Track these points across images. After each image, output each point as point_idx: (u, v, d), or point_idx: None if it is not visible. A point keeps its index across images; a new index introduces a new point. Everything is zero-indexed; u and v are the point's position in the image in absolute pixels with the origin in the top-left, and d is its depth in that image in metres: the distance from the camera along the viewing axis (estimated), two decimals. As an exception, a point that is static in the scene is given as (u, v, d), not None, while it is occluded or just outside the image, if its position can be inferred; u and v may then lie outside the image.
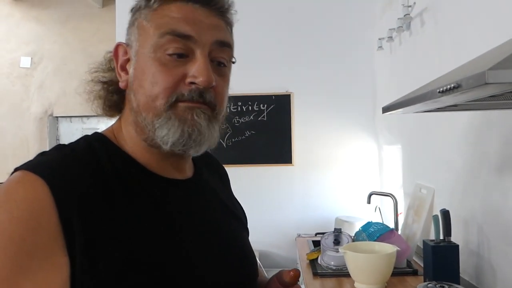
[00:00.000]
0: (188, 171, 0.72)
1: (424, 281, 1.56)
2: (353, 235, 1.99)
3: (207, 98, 0.62)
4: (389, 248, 1.65)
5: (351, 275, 1.67)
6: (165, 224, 0.62)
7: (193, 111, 0.62)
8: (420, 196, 2.12)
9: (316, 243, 2.20)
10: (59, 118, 4.34)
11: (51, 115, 4.26)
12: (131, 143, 0.66)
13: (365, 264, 1.57)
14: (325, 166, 3.12)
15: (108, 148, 0.64)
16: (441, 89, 0.71)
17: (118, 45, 0.66)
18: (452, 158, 1.80)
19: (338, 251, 1.80)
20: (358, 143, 3.13)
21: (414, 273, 1.79)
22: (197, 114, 0.62)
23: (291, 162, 3.09)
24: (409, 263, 1.88)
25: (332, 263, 1.84)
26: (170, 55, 0.61)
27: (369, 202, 2.36)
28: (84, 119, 4.33)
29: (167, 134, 0.61)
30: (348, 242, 1.86)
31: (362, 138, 3.13)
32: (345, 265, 1.70)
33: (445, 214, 1.56)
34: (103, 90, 0.68)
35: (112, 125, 0.69)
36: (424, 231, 1.96)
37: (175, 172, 0.68)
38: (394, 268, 1.73)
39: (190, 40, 0.61)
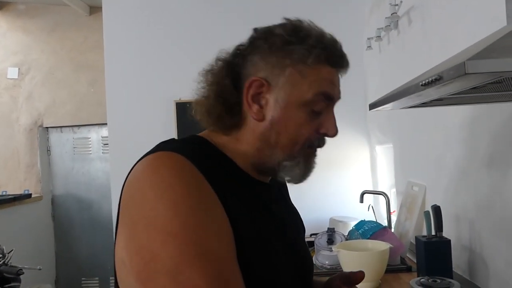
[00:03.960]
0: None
1: (418, 276, 1.56)
2: (347, 234, 1.99)
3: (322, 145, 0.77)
4: (382, 246, 1.66)
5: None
6: (275, 221, 0.75)
7: (315, 157, 0.77)
8: (412, 194, 2.13)
9: (311, 244, 2.20)
10: (49, 129, 4.29)
11: (41, 125, 4.22)
12: (238, 157, 0.74)
13: (359, 262, 1.57)
14: (318, 167, 3.11)
15: (213, 149, 0.74)
16: (424, 81, 0.72)
17: (258, 80, 0.72)
18: (442, 155, 1.81)
19: (331, 250, 1.80)
20: (350, 143, 3.13)
21: (408, 269, 1.79)
22: (316, 158, 0.78)
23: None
24: (402, 260, 1.88)
25: (327, 262, 1.83)
26: (314, 111, 0.72)
27: (361, 201, 2.36)
28: (75, 128, 4.30)
29: (292, 176, 0.75)
30: (341, 241, 1.86)
31: (354, 138, 3.14)
32: (339, 264, 1.70)
33: (436, 209, 1.57)
34: (224, 111, 0.74)
35: (207, 134, 0.77)
36: (417, 228, 1.97)
37: (264, 179, 0.79)
38: (388, 265, 1.73)
39: (332, 101, 0.75)
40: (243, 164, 0.74)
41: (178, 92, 3.13)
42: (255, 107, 0.72)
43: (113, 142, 3.23)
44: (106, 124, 3.27)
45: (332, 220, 2.82)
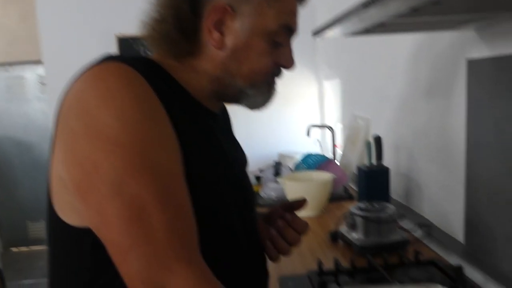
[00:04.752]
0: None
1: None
2: (293, 167, 2.04)
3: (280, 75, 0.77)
4: (325, 176, 1.71)
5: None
6: (219, 150, 0.72)
7: (275, 85, 0.77)
8: (357, 127, 2.19)
9: (260, 179, 2.24)
10: (-20, 68, 3.97)
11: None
12: (193, 82, 0.71)
13: (303, 192, 1.61)
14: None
15: (164, 72, 0.69)
16: (365, 2, 0.70)
17: (222, 6, 0.67)
18: (385, 87, 1.84)
19: (278, 183, 1.84)
20: (299, 78, 3.14)
21: (350, 198, 1.88)
22: (275, 85, 0.77)
23: (231, 101, 3.06)
24: (345, 190, 1.96)
25: (273, 194, 1.88)
26: (276, 42, 0.71)
27: (308, 135, 2.40)
28: (7, 67, 3.99)
29: (254, 103, 0.75)
30: (287, 174, 1.91)
31: (302, 73, 3.14)
32: (285, 196, 1.75)
33: (377, 139, 1.62)
34: (181, 36, 0.69)
35: (157, 58, 0.71)
36: (360, 159, 2.04)
37: (214, 108, 0.77)
38: (332, 194, 1.80)
39: (292, 33, 0.74)
40: (195, 92, 0.71)
41: (120, 26, 2.94)
42: (216, 34, 0.68)
43: (50, 81, 3.04)
44: (41, 62, 3.05)
45: (280, 155, 2.88)
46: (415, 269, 1.13)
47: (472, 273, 1.11)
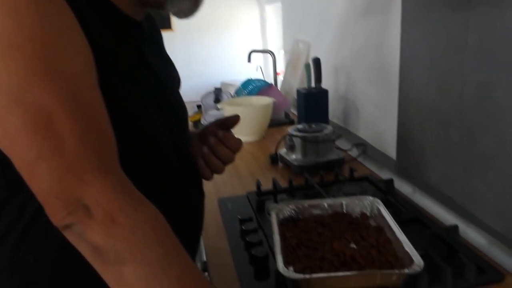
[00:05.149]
0: None
1: (298, 127, 1.65)
2: (234, 93, 2.00)
3: None
4: (265, 101, 1.69)
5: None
6: (143, 61, 0.66)
7: None
8: (298, 51, 2.16)
9: (200, 107, 2.19)
10: None
11: None
12: None
13: (243, 117, 1.58)
14: (207, 29, 2.99)
15: None
16: None
17: None
18: (326, 10, 1.80)
19: (218, 109, 1.80)
20: (239, 3, 3.00)
21: (291, 122, 1.89)
22: None
23: (170, 27, 2.90)
24: (287, 115, 1.96)
25: (214, 121, 1.85)
26: None
27: (249, 60, 2.34)
28: None
29: (180, 9, 0.66)
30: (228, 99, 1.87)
31: (244, -2, 3.01)
32: (226, 121, 1.72)
33: (316, 61, 1.60)
34: None
35: None
36: (301, 84, 2.03)
37: (137, 16, 0.68)
38: (273, 120, 1.80)
39: None
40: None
41: None
42: None
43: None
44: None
45: (223, 83, 2.82)
46: (350, 185, 1.17)
47: (402, 185, 1.16)
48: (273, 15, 2.75)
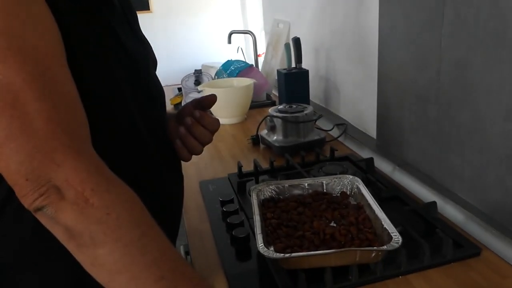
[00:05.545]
0: None
1: (280, 108, 1.65)
2: (214, 75, 1.98)
3: None
4: (246, 82, 1.68)
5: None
6: (117, 42, 0.64)
7: None
8: (278, 32, 2.13)
9: (181, 90, 2.16)
10: None
11: None
12: None
13: (224, 99, 1.58)
14: (186, 11, 2.93)
15: None
16: None
17: None
18: (304, -13, 1.78)
19: (199, 91, 1.78)
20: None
21: (273, 104, 1.87)
22: None
23: (148, 8, 2.83)
24: (268, 96, 1.95)
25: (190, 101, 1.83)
26: None
27: (229, 42, 2.31)
28: None
29: None
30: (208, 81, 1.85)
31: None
32: (207, 104, 1.70)
33: (296, 41, 1.59)
34: None
35: None
36: (281, 64, 2.02)
37: None
38: (254, 101, 1.79)
39: None
40: None
41: None
42: None
43: None
44: None
45: (204, 66, 2.78)
46: (331, 165, 1.17)
47: (382, 164, 1.17)
48: (253, -5, 2.72)
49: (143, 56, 0.75)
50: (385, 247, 0.68)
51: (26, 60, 0.46)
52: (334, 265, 0.68)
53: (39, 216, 0.47)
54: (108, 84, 0.60)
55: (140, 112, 0.67)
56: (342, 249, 0.69)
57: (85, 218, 0.46)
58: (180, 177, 0.81)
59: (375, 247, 0.70)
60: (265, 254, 0.67)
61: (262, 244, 0.69)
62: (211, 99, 0.82)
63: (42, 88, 0.46)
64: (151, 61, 0.80)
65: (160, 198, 0.69)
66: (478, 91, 0.84)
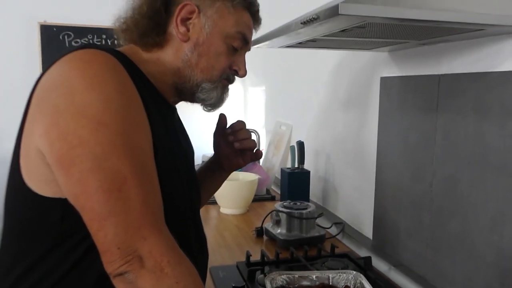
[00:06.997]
0: None
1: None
2: (220, 168, 2.11)
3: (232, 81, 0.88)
4: (251, 177, 1.82)
5: (218, 202, 1.81)
6: (177, 140, 0.83)
7: (228, 88, 0.88)
8: (280, 132, 2.33)
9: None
10: None
11: None
12: (159, 76, 0.79)
13: (230, 191, 1.71)
14: (191, 106, 3.17)
15: (129, 62, 0.74)
16: (303, 20, 0.80)
17: (188, 4, 0.78)
18: (308, 97, 2.00)
19: (205, 182, 1.90)
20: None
21: (272, 198, 2.00)
22: (228, 90, 0.88)
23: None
24: (268, 191, 2.08)
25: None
26: (233, 46, 0.82)
27: (234, 138, 2.49)
28: None
29: (208, 97, 0.83)
30: (215, 174, 1.98)
31: (229, 79, 3.26)
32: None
33: (301, 144, 1.76)
34: (152, 28, 0.78)
35: (125, 50, 0.78)
36: (282, 162, 2.18)
37: (173, 102, 0.87)
38: (255, 195, 1.91)
39: (247, 45, 0.86)
40: (157, 85, 0.79)
41: (43, 14, 2.81)
42: (182, 29, 0.78)
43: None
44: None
45: (204, 157, 2.94)
46: (332, 261, 1.26)
47: (378, 263, 1.27)
48: (256, 97, 2.98)
49: (188, 148, 0.92)
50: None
51: (133, 156, 0.59)
52: None
53: (117, 280, 0.57)
54: (170, 169, 0.73)
55: (188, 200, 0.81)
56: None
57: (160, 285, 0.56)
58: (206, 255, 0.91)
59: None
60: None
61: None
62: (224, 117, 1.04)
63: (141, 178, 0.59)
64: (192, 152, 0.97)
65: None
66: (466, 203, 0.98)
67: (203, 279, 0.87)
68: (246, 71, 0.87)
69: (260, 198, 1.99)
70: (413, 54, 1.19)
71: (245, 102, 3.26)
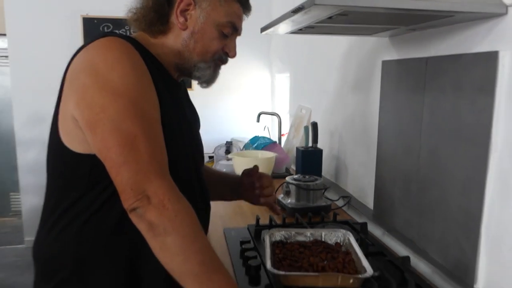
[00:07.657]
0: None
1: (295, 179, 1.92)
2: (243, 147, 2.29)
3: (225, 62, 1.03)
4: (269, 154, 1.98)
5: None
6: (182, 111, 1.00)
7: (220, 67, 1.03)
8: (300, 115, 2.47)
9: (212, 158, 2.48)
10: None
11: None
12: (164, 57, 0.96)
13: (249, 166, 1.87)
14: (223, 92, 3.36)
15: (143, 47, 0.92)
16: (292, 9, 0.95)
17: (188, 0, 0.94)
18: (324, 82, 2.13)
19: (228, 160, 2.09)
20: (255, 72, 3.40)
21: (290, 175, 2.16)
22: (220, 69, 1.03)
23: (191, 87, 3.27)
24: (287, 170, 2.24)
25: (224, 170, 2.13)
26: (224, 33, 0.97)
27: (258, 120, 2.66)
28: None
29: (203, 75, 0.99)
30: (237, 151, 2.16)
31: (258, 67, 3.40)
32: (234, 171, 2.00)
33: (314, 125, 1.90)
34: (157, 18, 0.95)
35: (137, 36, 0.96)
36: (301, 143, 2.33)
37: (178, 79, 1.04)
38: (275, 173, 2.07)
39: (236, 32, 1.00)
40: (164, 64, 0.97)
41: (86, 7, 3.07)
42: (181, 19, 0.95)
43: (13, 54, 3.12)
44: (5, 34, 3.12)
45: (233, 139, 3.12)
46: (332, 226, 1.41)
47: (375, 229, 1.41)
48: (282, 83, 3.12)
49: (194, 120, 1.09)
50: (360, 275, 0.91)
51: (143, 120, 0.78)
52: (322, 285, 0.92)
53: (132, 215, 0.75)
54: (176, 136, 0.91)
55: (190, 157, 0.98)
56: (327, 273, 0.92)
57: (162, 217, 0.74)
58: (208, 208, 1.08)
59: (353, 275, 0.93)
60: (272, 271, 0.92)
61: (270, 266, 0.94)
62: (255, 169, 1.25)
63: (149, 137, 0.78)
64: (198, 123, 1.14)
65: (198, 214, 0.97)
66: (445, 172, 1.10)
67: (205, 225, 1.04)
68: (235, 52, 1.02)
69: (280, 175, 2.15)
70: (409, 39, 1.31)
71: (272, 89, 3.42)
